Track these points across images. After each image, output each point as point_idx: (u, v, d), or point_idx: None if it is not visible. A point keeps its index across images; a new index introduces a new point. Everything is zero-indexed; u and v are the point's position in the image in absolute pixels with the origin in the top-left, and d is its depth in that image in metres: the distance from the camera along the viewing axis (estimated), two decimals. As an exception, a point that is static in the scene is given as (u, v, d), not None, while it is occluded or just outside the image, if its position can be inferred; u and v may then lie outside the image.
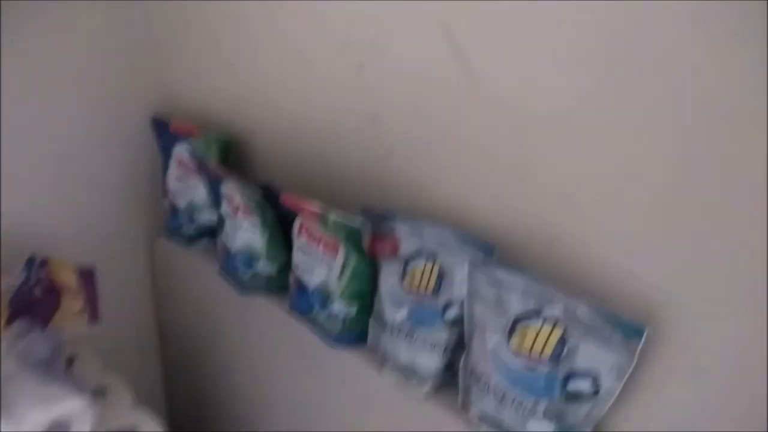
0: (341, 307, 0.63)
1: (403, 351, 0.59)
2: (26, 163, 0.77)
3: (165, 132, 0.81)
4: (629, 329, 0.46)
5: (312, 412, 0.72)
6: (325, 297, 0.64)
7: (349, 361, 0.63)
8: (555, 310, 0.49)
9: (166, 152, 0.82)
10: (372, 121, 0.62)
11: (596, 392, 0.48)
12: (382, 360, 0.62)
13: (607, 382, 0.48)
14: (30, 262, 0.72)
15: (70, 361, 0.74)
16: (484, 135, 0.54)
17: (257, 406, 0.81)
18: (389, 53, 0.59)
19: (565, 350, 0.48)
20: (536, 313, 0.49)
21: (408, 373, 0.59)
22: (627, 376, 0.46)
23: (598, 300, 0.47)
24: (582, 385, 0.48)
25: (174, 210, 0.82)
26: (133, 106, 0.85)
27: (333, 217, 0.60)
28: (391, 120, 0.61)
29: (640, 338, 0.45)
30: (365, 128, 0.63)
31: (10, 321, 0.68)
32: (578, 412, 0.49)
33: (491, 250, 0.53)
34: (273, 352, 0.73)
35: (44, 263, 0.73)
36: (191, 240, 0.83)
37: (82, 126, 0.81)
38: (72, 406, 0.66)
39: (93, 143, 0.83)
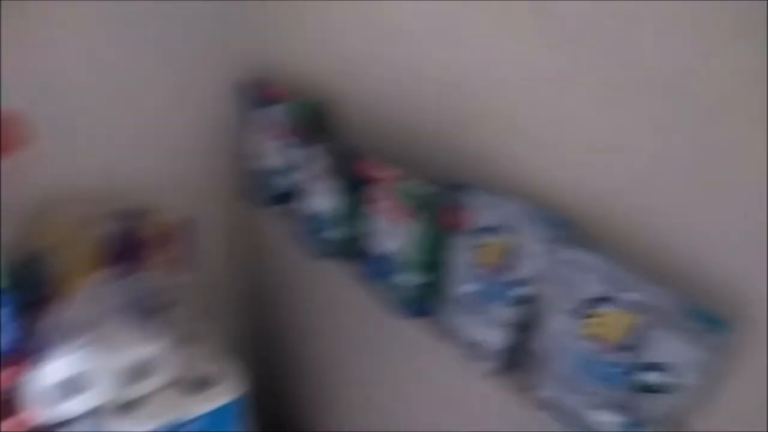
0: (411, 277, 0.62)
1: (468, 326, 0.58)
2: (124, 123, 0.82)
3: (253, 95, 0.83)
4: (713, 322, 0.42)
5: (373, 379, 0.72)
6: (395, 265, 0.63)
7: (413, 331, 0.63)
8: (633, 296, 0.45)
9: (252, 115, 0.83)
10: (455, 87, 0.61)
11: (672, 387, 0.44)
12: (446, 333, 0.60)
13: (685, 377, 0.44)
14: (127, 212, 0.77)
15: (161, 308, 0.79)
16: (570, 107, 0.51)
17: (325, 363, 0.83)
18: (477, 22, 0.56)
19: (639, 339, 0.45)
20: (612, 297, 0.46)
21: (471, 349, 0.58)
22: (709, 372, 0.43)
23: (681, 290, 0.44)
24: (656, 378, 0.45)
25: (257, 172, 0.84)
26: (223, 69, 0.87)
27: (409, 185, 0.59)
28: (475, 87, 0.59)
29: (725, 333, 0.41)
30: (450, 95, 0.62)
31: (106, 266, 0.74)
32: (652, 406, 0.46)
33: (569, 229, 0.50)
34: (342, 316, 0.74)
35: (141, 214, 0.78)
36: (271, 202, 0.84)
37: (172, 88, 0.84)
38: (157, 349, 0.70)
39: (183, 104, 0.86)
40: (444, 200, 0.58)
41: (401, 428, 0.72)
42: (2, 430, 0.63)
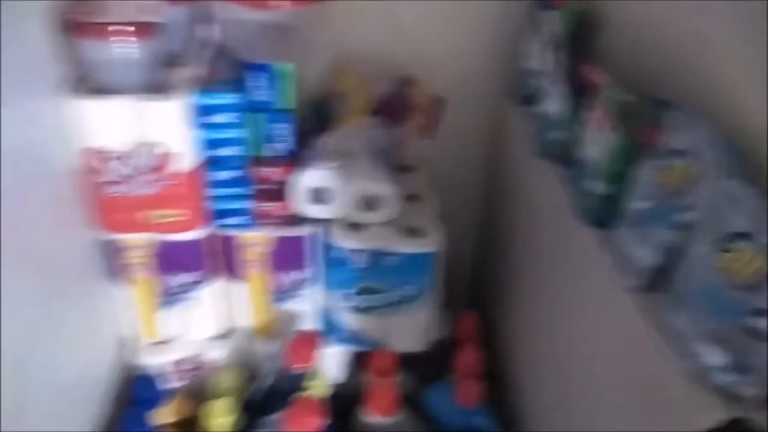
0: (598, 185, 0.65)
1: (627, 241, 0.59)
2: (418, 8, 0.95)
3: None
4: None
5: (543, 279, 0.77)
6: (588, 172, 0.66)
7: (584, 237, 0.66)
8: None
9: (532, 16, 0.89)
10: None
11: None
12: (610, 246, 0.62)
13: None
14: (400, 80, 0.93)
15: (401, 162, 0.94)
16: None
17: (511, 254, 0.90)
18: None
19: (764, 283, 0.43)
20: (753, 235, 0.44)
21: (625, 263, 0.59)
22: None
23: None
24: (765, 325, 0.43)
25: (519, 72, 0.91)
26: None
27: (617, 93, 0.61)
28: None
29: None
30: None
31: (373, 116, 0.91)
32: (761, 355, 0.44)
33: (741, 159, 0.48)
34: (540, 215, 0.80)
35: (409, 83, 0.92)
36: (522, 102, 0.91)
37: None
38: (389, 191, 0.85)
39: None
40: (646, 114, 0.59)
41: (550, 321, 0.77)
42: (274, 212, 0.86)
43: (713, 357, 0.47)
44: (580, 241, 0.67)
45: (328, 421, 0.82)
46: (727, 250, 0.46)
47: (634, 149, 0.61)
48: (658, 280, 0.56)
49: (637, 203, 0.59)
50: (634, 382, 0.56)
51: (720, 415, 0.44)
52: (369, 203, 0.86)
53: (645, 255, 0.57)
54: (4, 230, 0.59)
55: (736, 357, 0.46)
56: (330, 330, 0.93)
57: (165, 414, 0.85)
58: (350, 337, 0.92)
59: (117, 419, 0.83)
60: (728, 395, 0.46)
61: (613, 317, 0.61)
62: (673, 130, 0.55)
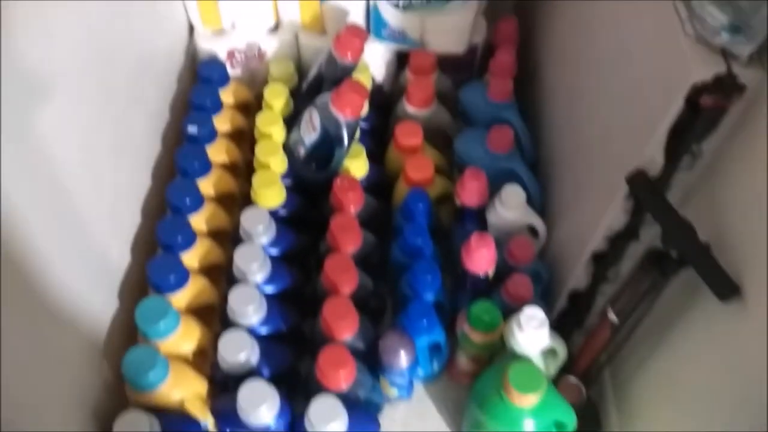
0: None
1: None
2: None
3: None
4: None
5: None
6: None
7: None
8: None
9: None
10: None
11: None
12: None
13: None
14: None
15: None
16: None
17: None
18: None
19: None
20: None
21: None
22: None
23: None
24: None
25: None
26: None
27: None
28: None
29: None
30: None
31: None
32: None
33: None
34: None
35: None
36: None
37: None
38: None
39: None
40: None
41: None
42: None
43: (715, 17, 0.51)
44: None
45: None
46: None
47: None
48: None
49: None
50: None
51: (719, 68, 0.50)
52: None
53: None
54: None
55: (736, 17, 0.50)
56: (375, 27, 0.98)
57: (225, 95, 0.96)
58: (394, 35, 0.98)
59: (187, 92, 0.94)
60: (728, 55, 0.51)
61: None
62: None
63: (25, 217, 0.57)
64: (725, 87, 0.51)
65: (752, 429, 0.50)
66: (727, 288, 0.53)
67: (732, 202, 0.56)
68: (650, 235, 0.66)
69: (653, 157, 0.59)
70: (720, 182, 0.58)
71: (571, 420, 0.71)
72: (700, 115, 0.53)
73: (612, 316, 0.67)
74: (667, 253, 0.59)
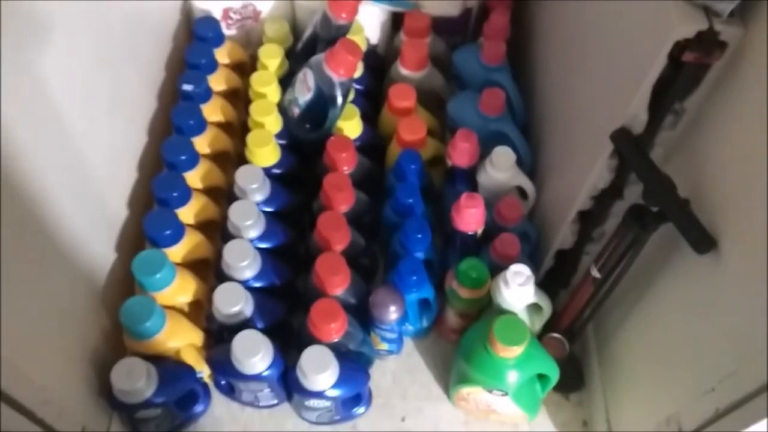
0: None
1: None
2: None
3: None
4: None
5: None
6: None
7: None
8: None
9: None
10: None
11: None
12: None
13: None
14: None
15: None
16: None
17: None
18: None
19: None
20: None
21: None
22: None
23: None
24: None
25: None
26: None
27: None
28: None
29: None
30: None
31: None
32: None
33: None
34: None
35: None
36: None
37: None
38: None
39: None
40: None
41: None
42: None
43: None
44: None
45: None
46: None
47: None
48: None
49: None
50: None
51: (701, 25, 0.52)
52: None
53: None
54: None
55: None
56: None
57: (220, 54, 0.96)
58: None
59: (181, 50, 0.95)
60: (710, 12, 0.52)
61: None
62: None
63: (26, 149, 0.58)
64: (707, 43, 0.52)
65: (729, 374, 0.52)
66: (704, 241, 0.55)
67: (711, 159, 0.58)
68: (634, 194, 0.68)
69: (637, 115, 0.60)
70: (700, 140, 0.60)
71: (554, 372, 0.74)
72: (683, 71, 0.55)
73: (595, 272, 0.69)
74: (648, 208, 0.61)
